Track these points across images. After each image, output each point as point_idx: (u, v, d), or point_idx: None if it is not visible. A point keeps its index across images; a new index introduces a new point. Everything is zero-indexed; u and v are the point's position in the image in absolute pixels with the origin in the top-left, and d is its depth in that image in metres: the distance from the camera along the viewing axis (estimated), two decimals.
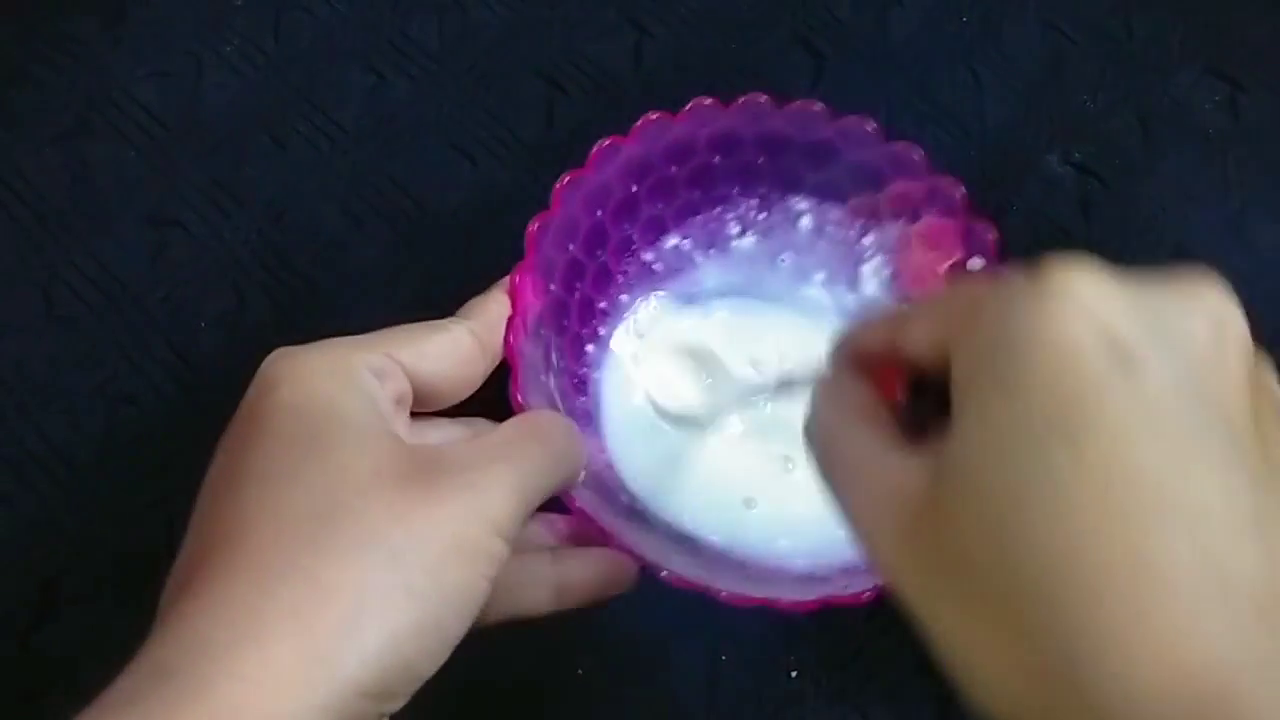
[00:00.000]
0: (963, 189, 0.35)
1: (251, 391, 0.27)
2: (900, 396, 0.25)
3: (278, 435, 0.26)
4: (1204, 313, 0.20)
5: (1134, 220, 0.41)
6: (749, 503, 0.36)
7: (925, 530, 0.21)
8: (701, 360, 0.39)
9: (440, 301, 0.31)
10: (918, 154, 0.35)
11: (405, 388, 0.29)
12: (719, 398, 0.38)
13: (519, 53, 0.43)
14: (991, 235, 0.35)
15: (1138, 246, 0.40)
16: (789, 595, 0.31)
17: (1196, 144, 0.41)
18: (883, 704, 0.35)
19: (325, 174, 0.40)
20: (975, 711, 0.20)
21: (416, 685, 0.25)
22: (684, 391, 0.38)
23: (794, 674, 0.35)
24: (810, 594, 0.31)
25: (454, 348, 0.31)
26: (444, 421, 0.31)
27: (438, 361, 0.30)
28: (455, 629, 0.25)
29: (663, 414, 0.38)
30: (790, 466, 0.37)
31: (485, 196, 0.41)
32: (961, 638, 0.20)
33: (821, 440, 0.25)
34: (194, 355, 0.38)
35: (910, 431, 0.24)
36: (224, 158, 0.41)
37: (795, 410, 0.37)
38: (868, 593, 0.30)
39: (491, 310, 0.32)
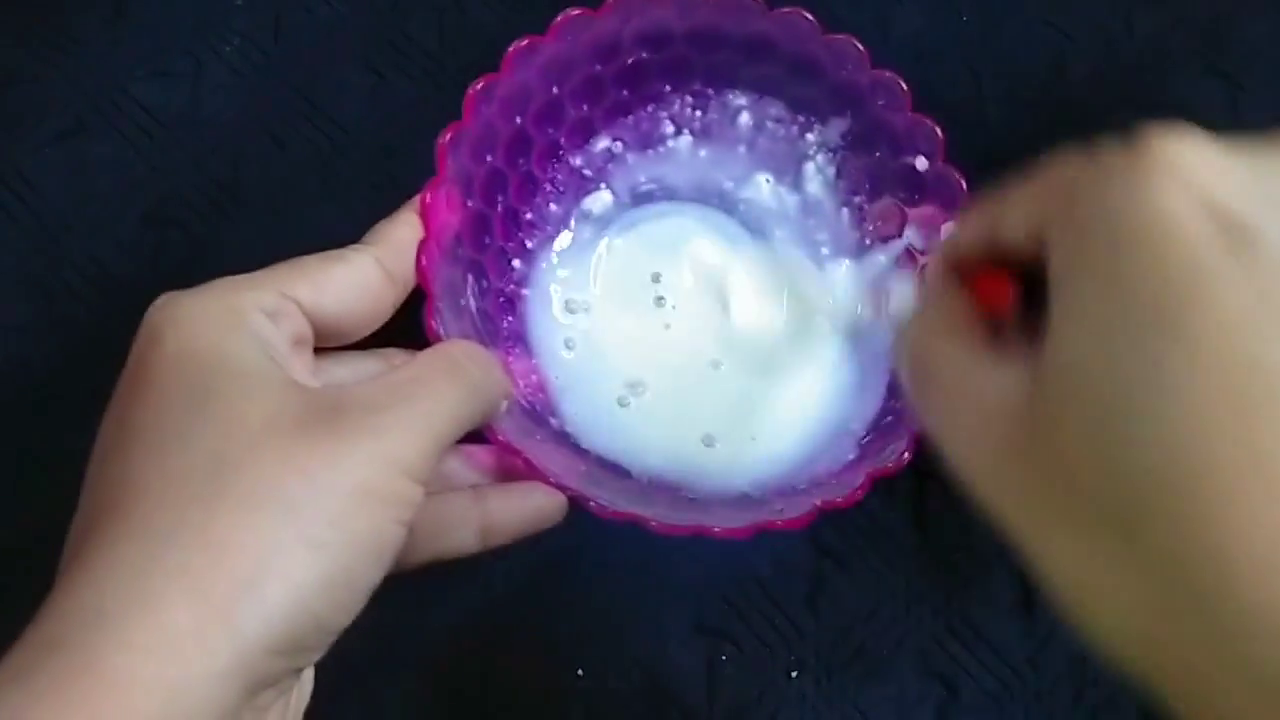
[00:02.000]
0: (905, 86, 0.34)
1: (136, 343, 0.26)
2: (1012, 300, 0.22)
3: (163, 390, 0.24)
4: None
5: None
6: (707, 440, 0.36)
7: (1025, 447, 0.19)
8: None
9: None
10: (858, 47, 0.34)
11: (303, 327, 0.27)
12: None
13: None
14: (937, 134, 0.34)
15: None
16: (723, 522, 0.30)
17: None
18: (883, 704, 0.35)
19: (325, 174, 0.40)
20: (1097, 654, 0.19)
21: (330, 638, 0.24)
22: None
23: (794, 674, 0.35)
24: (744, 520, 0.30)
25: (357, 278, 0.29)
26: (353, 355, 0.30)
27: (339, 295, 0.28)
28: (367, 578, 0.24)
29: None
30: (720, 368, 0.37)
31: None
32: (1074, 564, 0.19)
33: (912, 360, 0.23)
34: None
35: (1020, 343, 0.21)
36: (224, 158, 0.40)
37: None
38: (804, 515, 0.29)
39: (400, 234, 0.30)
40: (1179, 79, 0.42)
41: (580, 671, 0.35)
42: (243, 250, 0.40)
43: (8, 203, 0.40)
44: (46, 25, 0.42)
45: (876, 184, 0.37)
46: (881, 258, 0.37)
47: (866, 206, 0.37)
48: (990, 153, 0.41)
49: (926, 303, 0.24)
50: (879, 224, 0.37)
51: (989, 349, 0.21)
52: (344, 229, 0.40)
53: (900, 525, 0.36)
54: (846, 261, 0.38)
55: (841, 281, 0.38)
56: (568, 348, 0.37)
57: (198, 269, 0.39)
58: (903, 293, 0.37)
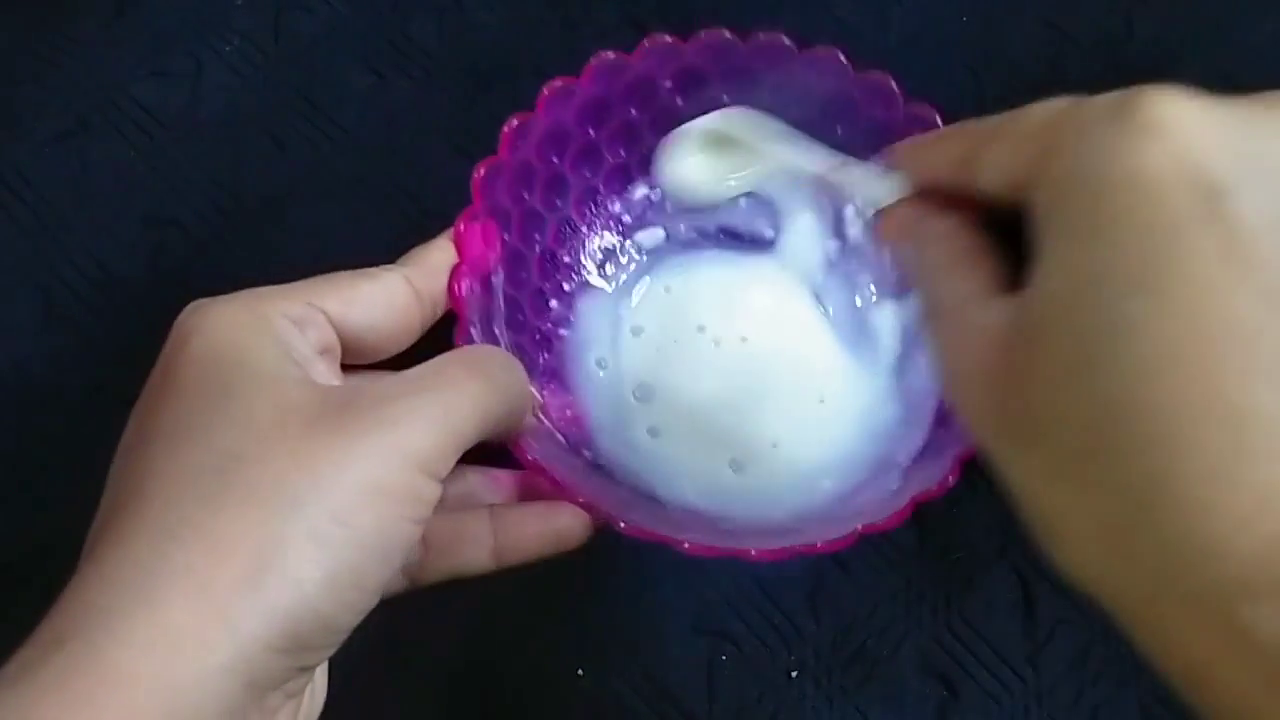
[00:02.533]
0: (940, 120, 0.34)
1: (166, 346, 0.26)
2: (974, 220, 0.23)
3: (185, 389, 0.24)
4: None
5: None
6: (735, 465, 0.36)
7: (1002, 378, 0.20)
8: (728, 141, 0.36)
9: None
10: (891, 86, 0.34)
11: (330, 337, 0.27)
12: (761, 161, 0.35)
13: (519, 53, 0.43)
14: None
15: None
16: (760, 544, 0.30)
17: None
18: (883, 704, 0.35)
19: (325, 174, 0.40)
20: (1061, 575, 0.20)
21: (337, 637, 0.23)
22: (717, 169, 0.36)
23: (794, 674, 0.35)
24: (778, 544, 0.30)
25: (386, 295, 0.28)
26: (383, 375, 0.29)
27: (368, 310, 0.28)
28: (376, 576, 0.23)
29: (689, 203, 0.36)
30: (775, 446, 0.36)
31: None
32: (1041, 493, 0.20)
33: (921, 281, 0.24)
34: None
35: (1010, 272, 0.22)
36: (224, 158, 0.41)
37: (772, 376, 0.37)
38: (844, 539, 0.29)
39: (433, 257, 0.30)
40: (1179, 79, 0.42)
41: (580, 671, 0.35)
42: (242, 250, 0.40)
43: (8, 203, 0.40)
44: (46, 25, 0.42)
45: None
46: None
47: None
48: None
49: (917, 232, 0.25)
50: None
51: (989, 279, 0.22)
52: (344, 229, 0.40)
53: (900, 525, 0.36)
54: (888, 305, 0.38)
55: (886, 323, 0.38)
56: (606, 385, 0.37)
57: (198, 269, 0.39)
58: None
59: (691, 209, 0.38)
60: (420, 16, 0.43)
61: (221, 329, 0.25)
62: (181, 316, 0.26)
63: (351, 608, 0.23)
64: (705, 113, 0.35)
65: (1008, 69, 0.42)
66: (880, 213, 0.27)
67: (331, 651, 0.24)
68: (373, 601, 0.24)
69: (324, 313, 0.27)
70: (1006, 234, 0.23)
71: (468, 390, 0.25)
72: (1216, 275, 0.17)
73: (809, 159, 0.33)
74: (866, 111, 0.35)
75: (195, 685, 0.21)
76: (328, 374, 0.27)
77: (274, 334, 0.25)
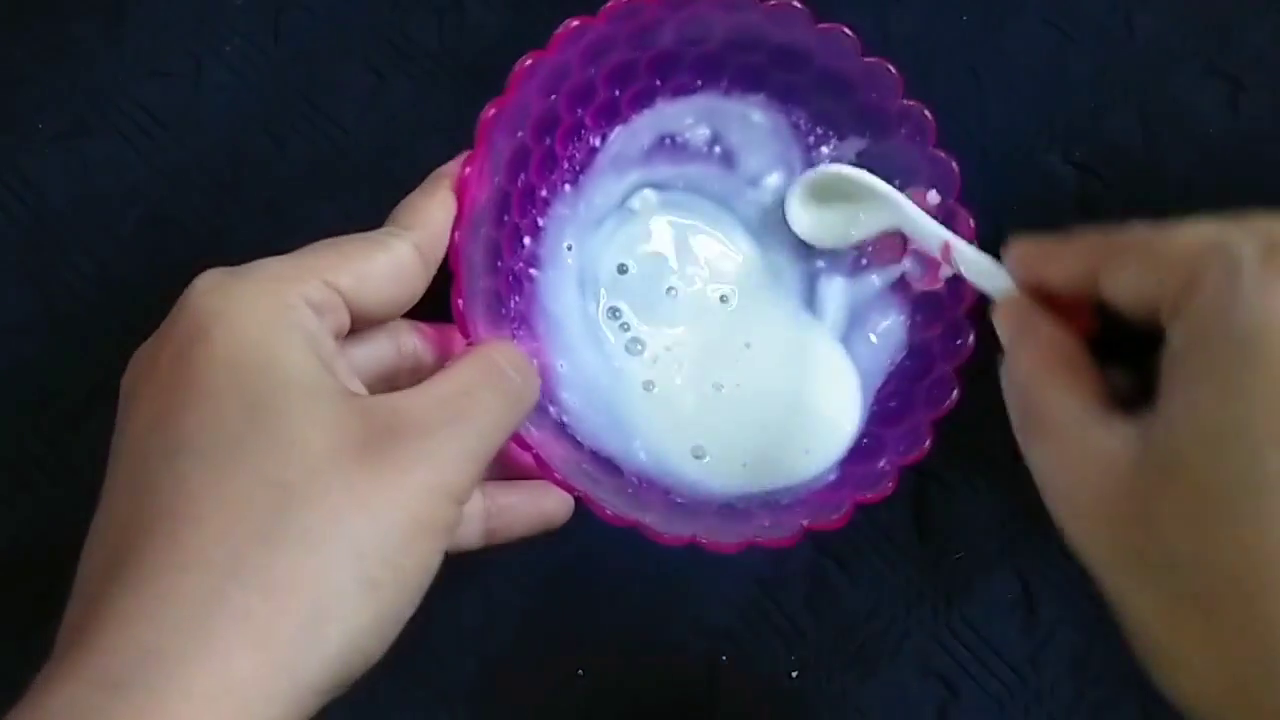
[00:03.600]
0: (930, 118, 0.35)
1: (176, 329, 0.24)
2: (1086, 327, 0.24)
3: (215, 397, 0.23)
4: None
5: (1135, 219, 0.41)
6: (696, 451, 0.36)
7: (1125, 511, 0.20)
8: (845, 188, 0.37)
9: (441, 300, 0.31)
10: (892, 71, 0.34)
11: (345, 320, 0.27)
12: (867, 224, 0.36)
13: (519, 53, 0.43)
14: (954, 172, 0.34)
15: None
16: (711, 531, 0.31)
17: (1197, 143, 0.41)
18: (883, 704, 0.35)
19: (325, 174, 0.40)
20: (1171, 700, 0.20)
21: (370, 666, 0.24)
22: (829, 219, 0.37)
23: (794, 674, 0.35)
24: (733, 532, 0.31)
25: (396, 267, 0.28)
26: (366, 335, 0.29)
27: (379, 284, 0.27)
28: (410, 610, 0.24)
29: (811, 245, 0.38)
30: (721, 389, 0.37)
31: None
32: (1158, 627, 0.20)
33: (1020, 393, 0.24)
34: None
35: (1109, 388, 0.22)
36: (224, 158, 0.40)
37: (734, 333, 0.38)
38: (791, 536, 0.30)
39: (436, 216, 0.29)
40: (1180, 79, 0.42)
41: (580, 671, 0.35)
42: (242, 250, 0.40)
43: (8, 203, 0.40)
44: (46, 25, 0.42)
45: None
46: (875, 279, 0.37)
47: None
48: (991, 153, 0.41)
49: (1022, 332, 0.25)
50: (877, 249, 0.37)
51: (1098, 401, 0.22)
52: (344, 229, 0.40)
53: (900, 525, 0.36)
54: (840, 279, 0.38)
55: (833, 298, 0.38)
56: (580, 335, 0.36)
57: (198, 269, 0.39)
58: (889, 320, 0.37)
59: (664, 156, 0.38)
60: (420, 16, 0.43)
61: (247, 323, 0.24)
62: (195, 294, 0.25)
63: (387, 641, 0.24)
64: (704, 63, 0.36)
65: (1008, 69, 0.42)
66: (998, 303, 0.27)
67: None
68: (398, 631, 0.24)
69: (339, 292, 0.26)
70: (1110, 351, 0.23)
71: (496, 414, 0.26)
72: None
73: (928, 222, 0.34)
74: (864, 94, 0.36)
75: None
76: (347, 371, 0.26)
77: (300, 329, 0.25)
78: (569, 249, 0.37)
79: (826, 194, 0.37)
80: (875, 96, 0.35)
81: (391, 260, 0.28)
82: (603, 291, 0.38)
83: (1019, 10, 0.43)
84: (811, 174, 0.37)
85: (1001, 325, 0.26)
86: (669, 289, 0.38)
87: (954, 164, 0.35)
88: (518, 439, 0.29)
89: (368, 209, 0.40)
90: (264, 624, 0.21)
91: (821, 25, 0.34)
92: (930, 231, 0.33)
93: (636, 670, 0.35)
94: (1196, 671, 0.19)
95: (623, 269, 0.38)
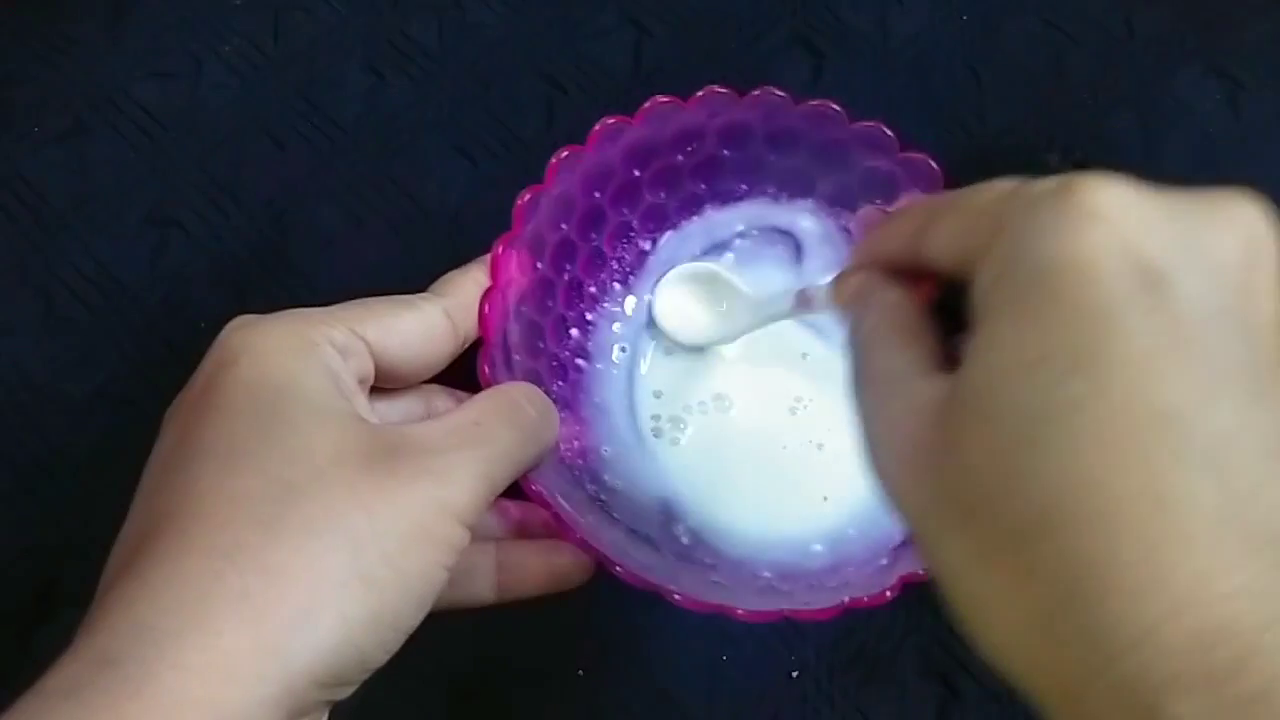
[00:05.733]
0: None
1: (208, 363, 0.26)
2: (928, 294, 0.24)
3: (233, 411, 0.24)
4: (1237, 230, 0.19)
5: None
6: (741, 532, 0.35)
7: (938, 454, 0.20)
8: (711, 285, 0.37)
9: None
10: (931, 165, 0.34)
11: (369, 366, 0.28)
12: (734, 322, 0.37)
13: (519, 53, 0.43)
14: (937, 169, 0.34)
15: None
16: (749, 604, 0.30)
17: (1197, 143, 0.41)
18: (883, 704, 0.35)
19: (325, 174, 0.40)
20: (988, 662, 0.20)
21: (368, 674, 0.24)
22: (698, 317, 0.37)
23: (794, 674, 0.35)
24: (770, 605, 0.30)
25: (425, 327, 0.29)
26: (398, 394, 0.30)
27: (406, 340, 0.28)
28: (411, 619, 0.24)
29: (677, 342, 0.37)
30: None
31: (485, 197, 0.41)
32: (969, 576, 0.19)
33: (855, 354, 0.24)
34: (193, 356, 0.38)
35: (949, 351, 0.22)
36: (224, 158, 0.41)
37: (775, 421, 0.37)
38: (830, 609, 0.29)
39: (469, 289, 0.30)
40: (1179, 78, 0.42)
41: (580, 671, 0.35)
42: (242, 250, 0.40)
43: (8, 203, 0.40)
44: (46, 25, 0.42)
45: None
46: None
47: (850, 218, 0.37)
48: (990, 153, 0.41)
49: (862, 300, 0.25)
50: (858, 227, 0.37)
51: (929, 359, 0.22)
52: (343, 229, 0.40)
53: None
54: None
55: None
56: (626, 427, 0.37)
57: (198, 269, 0.39)
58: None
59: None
60: (420, 16, 0.43)
61: (271, 352, 0.25)
62: (226, 334, 0.26)
63: (386, 647, 0.24)
64: (748, 167, 0.37)
65: (1008, 69, 0.42)
66: (836, 278, 0.27)
67: (356, 687, 0.24)
68: (401, 642, 0.24)
69: (365, 341, 0.27)
70: (957, 318, 0.22)
71: (504, 445, 0.26)
72: (1155, 361, 0.17)
73: (782, 301, 0.34)
74: (905, 187, 0.35)
75: (242, 713, 0.21)
76: (367, 407, 0.27)
77: (323, 363, 0.26)
78: (623, 350, 0.38)
79: (697, 292, 0.37)
80: (919, 191, 0.35)
81: (419, 319, 0.29)
82: (674, 287, 0.38)
83: (1019, 10, 0.43)
84: (673, 273, 0.37)
85: (843, 297, 0.26)
86: (737, 285, 0.37)
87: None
88: (538, 496, 0.29)
89: (367, 209, 0.40)
90: (259, 605, 0.21)
91: (858, 123, 0.34)
92: (782, 304, 0.33)
93: (636, 670, 0.35)
94: (1004, 616, 0.19)
95: (694, 268, 0.38)
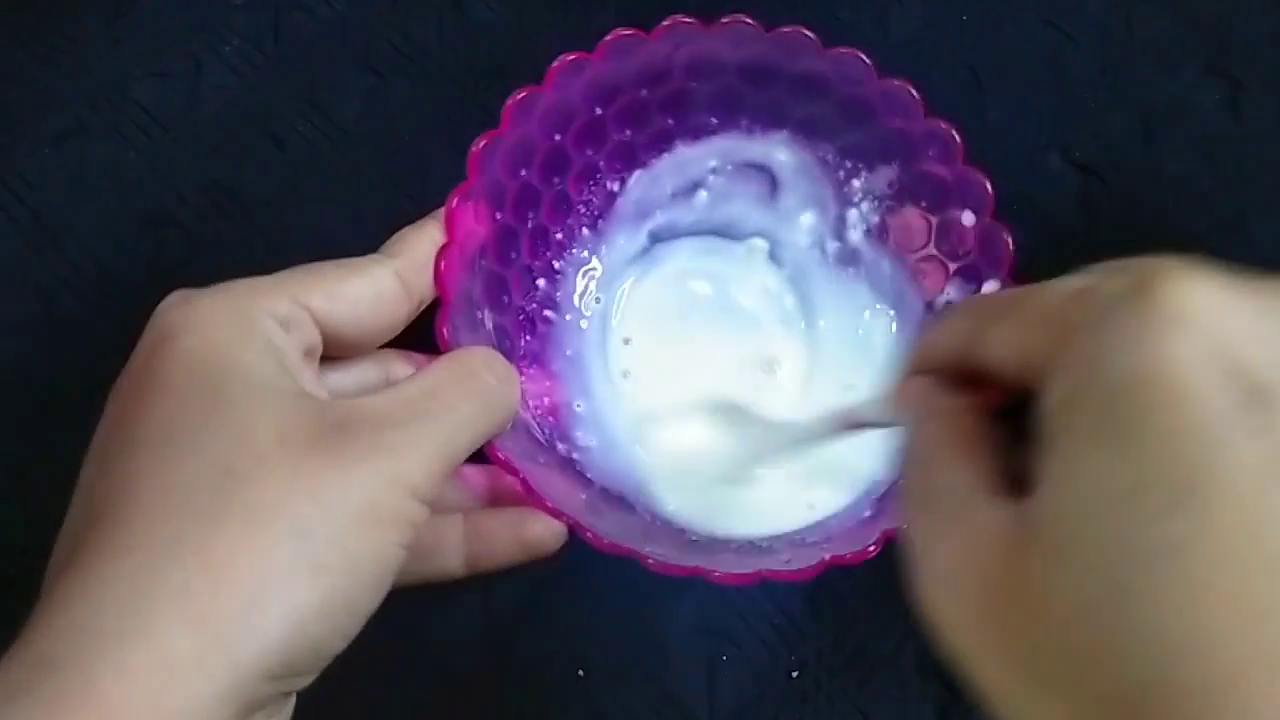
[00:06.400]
0: (958, 138, 0.33)
1: (144, 342, 0.25)
2: (994, 399, 0.21)
3: (170, 393, 0.23)
4: None
5: (1134, 219, 0.41)
6: (719, 487, 0.35)
7: (1007, 599, 0.17)
8: (734, 414, 0.36)
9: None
10: (912, 93, 0.33)
11: (315, 337, 0.26)
12: (768, 449, 0.34)
13: (519, 53, 0.43)
14: (987, 190, 0.33)
15: (1138, 245, 0.40)
16: (727, 565, 0.29)
17: (1197, 142, 0.41)
18: (883, 704, 0.35)
19: (325, 174, 0.40)
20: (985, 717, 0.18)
21: (324, 662, 0.23)
22: (719, 447, 0.35)
23: (795, 674, 0.35)
24: (748, 566, 0.29)
25: (374, 292, 0.27)
26: (352, 362, 0.29)
27: (354, 307, 0.27)
28: (367, 602, 0.23)
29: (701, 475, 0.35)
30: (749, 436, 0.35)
31: None
32: None
33: (911, 468, 0.22)
34: None
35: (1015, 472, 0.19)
36: (224, 158, 0.40)
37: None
38: (810, 568, 0.28)
39: (423, 247, 0.29)
40: (1180, 78, 0.42)
41: (580, 672, 0.35)
42: (242, 250, 0.40)
43: (7, 203, 0.40)
44: (46, 25, 0.42)
45: (924, 238, 0.36)
46: (923, 313, 0.36)
47: (910, 258, 0.36)
48: (991, 153, 0.41)
49: (922, 409, 0.22)
50: (901, 234, 0.36)
51: (994, 477, 0.19)
52: (343, 229, 0.40)
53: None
54: (888, 315, 0.37)
55: (880, 337, 0.37)
56: (600, 380, 0.36)
57: (197, 269, 0.39)
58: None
59: (686, 200, 0.37)
60: (420, 16, 0.43)
61: (209, 328, 0.24)
62: (162, 308, 0.25)
63: (342, 633, 0.23)
64: (719, 100, 0.35)
65: (1008, 69, 0.42)
66: (897, 386, 0.24)
67: (314, 677, 0.23)
68: (360, 626, 0.23)
69: (309, 310, 0.26)
70: (1011, 427, 0.20)
71: (462, 414, 0.25)
72: (1267, 494, 0.15)
73: (821, 426, 0.31)
74: (885, 119, 0.34)
75: (189, 714, 0.20)
76: (314, 381, 0.26)
77: (263, 337, 0.24)
78: (597, 300, 0.37)
79: (719, 423, 0.36)
80: (898, 121, 0.34)
81: (369, 283, 0.27)
82: (625, 341, 0.37)
83: (1019, 10, 0.43)
84: (686, 405, 0.36)
85: (901, 407, 0.24)
86: (693, 336, 0.37)
87: (987, 183, 0.34)
88: (505, 464, 0.28)
89: (367, 209, 0.40)
90: (202, 601, 0.21)
91: (833, 51, 0.33)
92: (823, 433, 0.31)
93: (636, 670, 0.35)
94: None
95: (647, 321, 0.37)
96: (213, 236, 0.39)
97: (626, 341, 0.37)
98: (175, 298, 0.25)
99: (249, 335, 0.24)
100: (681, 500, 0.35)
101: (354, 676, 0.35)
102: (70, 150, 0.40)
